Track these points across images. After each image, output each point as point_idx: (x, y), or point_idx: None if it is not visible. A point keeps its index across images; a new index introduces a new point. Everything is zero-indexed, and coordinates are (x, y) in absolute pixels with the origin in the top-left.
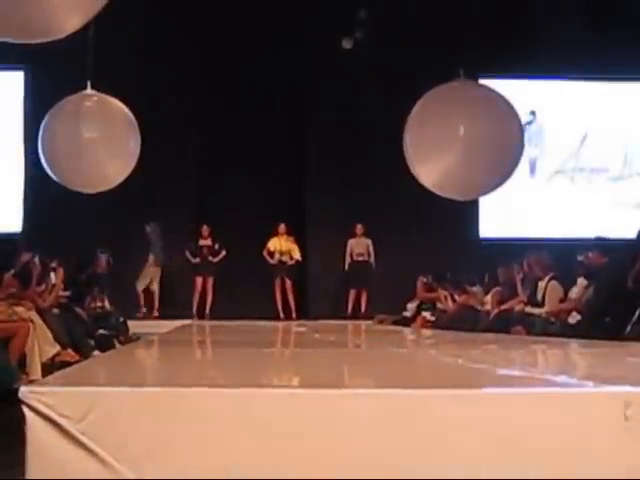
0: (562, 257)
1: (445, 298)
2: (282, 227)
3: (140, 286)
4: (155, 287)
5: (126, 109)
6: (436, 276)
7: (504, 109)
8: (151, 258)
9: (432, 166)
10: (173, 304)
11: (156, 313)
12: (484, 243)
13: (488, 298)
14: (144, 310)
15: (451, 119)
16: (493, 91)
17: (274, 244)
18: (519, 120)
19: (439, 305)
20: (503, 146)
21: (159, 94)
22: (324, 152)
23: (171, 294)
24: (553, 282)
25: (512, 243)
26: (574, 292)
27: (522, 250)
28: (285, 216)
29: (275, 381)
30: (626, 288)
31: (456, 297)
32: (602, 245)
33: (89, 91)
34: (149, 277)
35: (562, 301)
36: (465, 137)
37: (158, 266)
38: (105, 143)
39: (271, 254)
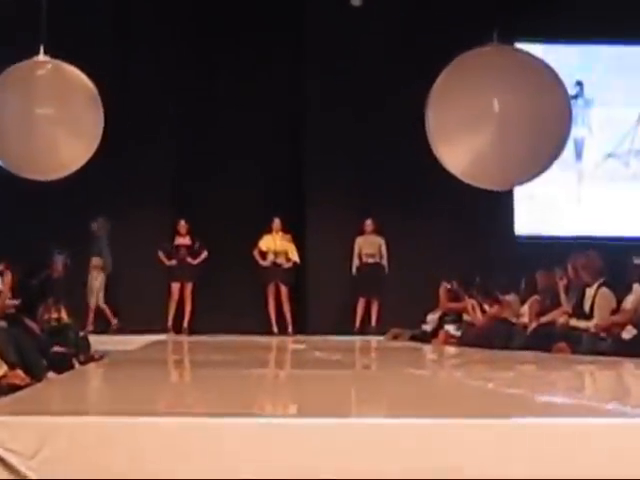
0: (614, 259)
1: (473, 308)
2: (277, 222)
3: (93, 300)
4: (101, 301)
5: (87, 80)
6: (462, 282)
7: (547, 79)
8: (96, 262)
9: (460, 149)
10: (144, 316)
11: (115, 327)
12: (520, 242)
13: (525, 309)
14: (89, 329)
15: (482, 92)
16: (533, 57)
17: (267, 243)
18: (565, 92)
19: (466, 317)
20: (545, 124)
21: (129, 62)
22: (327, 133)
23: (142, 304)
24: (603, 289)
25: (554, 242)
26: (629, 302)
27: (566, 250)
28: (280, 209)
29: (267, 409)
30: None
31: (486, 307)
32: None
33: (42, 57)
34: (95, 288)
35: (614, 312)
36: (500, 113)
37: (103, 272)
38: (61, 121)
39: (263, 255)
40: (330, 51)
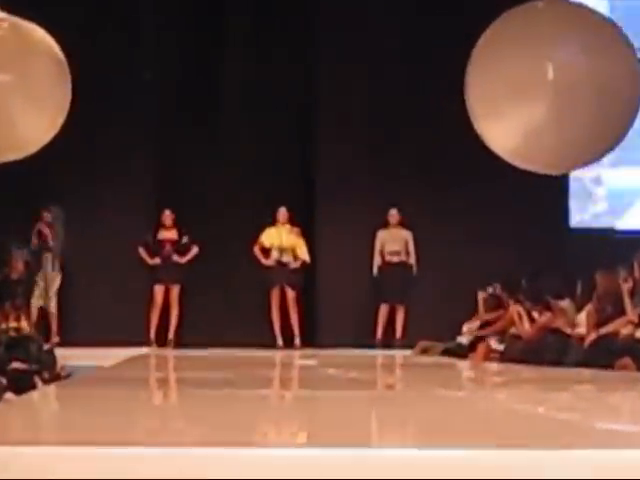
0: None
1: (519, 317)
2: (282, 213)
3: (37, 302)
4: (53, 305)
5: (52, 41)
6: (506, 285)
7: (613, 39)
8: (47, 259)
9: (506, 124)
10: (121, 326)
11: (56, 339)
12: (575, 236)
13: (582, 317)
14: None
15: (533, 55)
16: (595, 12)
17: (271, 237)
18: (635, 55)
19: (512, 329)
20: (611, 93)
21: (100, 22)
22: (342, 106)
23: (118, 311)
24: None
25: (617, 237)
26: None
27: (631, 246)
28: (287, 197)
29: (270, 438)
30: None
31: (535, 315)
32: None
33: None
34: (42, 288)
35: None
36: (554, 81)
37: (57, 271)
38: (19, 89)
39: (266, 252)
40: (344, 20)
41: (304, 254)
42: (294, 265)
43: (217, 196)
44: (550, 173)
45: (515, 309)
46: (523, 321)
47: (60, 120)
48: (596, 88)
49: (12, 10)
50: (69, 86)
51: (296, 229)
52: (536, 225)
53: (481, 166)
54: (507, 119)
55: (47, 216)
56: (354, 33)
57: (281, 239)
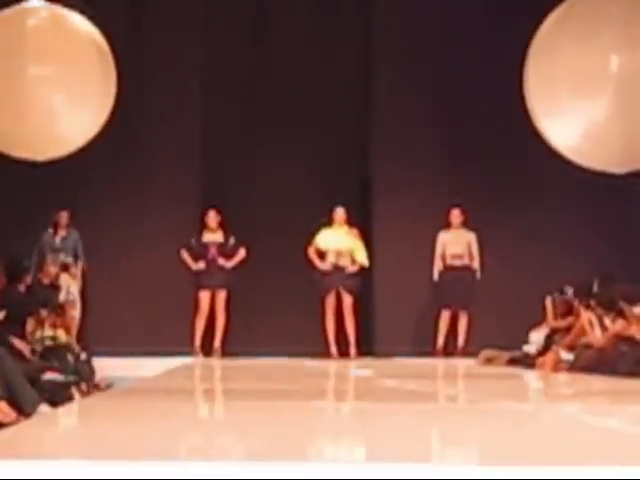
0: None
1: (591, 324)
2: (340, 213)
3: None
4: (76, 312)
5: (96, 32)
6: (577, 290)
7: None
8: (62, 261)
9: (568, 119)
10: (164, 334)
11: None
12: None
13: None
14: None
15: (599, 45)
16: None
17: (327, 240)
18: None
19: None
20: None
21: (149, 14)
22: (401, 99)
23: (161, 318)
24: None
25: None
26: None
27: None
28: (344, 197)
29: (326, 453)
30: None
31: (607, 323)
32: None
33: (36, 1)
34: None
35: None
36: (620, 73)
37: (74, 276)
38: (61, 84)
39: (322, 255)
40: (406, 17)
41: (362, 258)
42: (351, 269)
43: (266, 197)
44: (615, 172)
45: (586, 316)
46: (594, 328)
47: (104, 117)
48: None
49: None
50: (114, 80)
51: (354, 230)
52: (607, 225)
53: (549, 164)
54: (567, 115)
55: (63, 216)
56: (417, 31)
57: (338, 242)
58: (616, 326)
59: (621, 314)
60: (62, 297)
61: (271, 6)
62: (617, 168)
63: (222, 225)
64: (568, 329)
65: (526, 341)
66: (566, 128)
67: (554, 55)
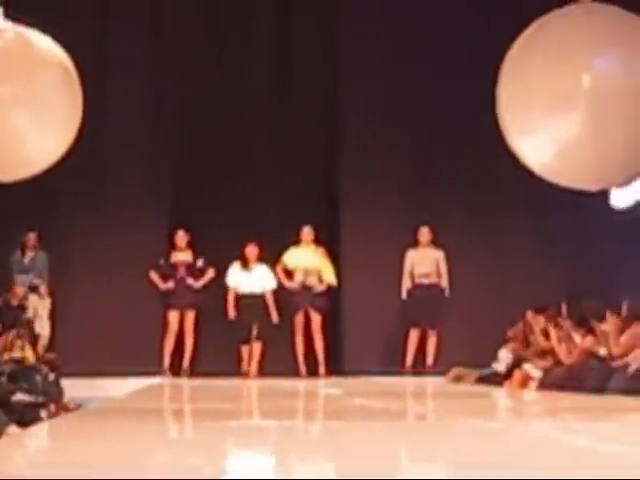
0: None
1: (559, 341)
2: (307, 232)
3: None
4: (46, 332)
5: (62, 53)
6: (544, 307)
7: None
8: (29, 282)
9: (541, 136)
10: (132, 355)
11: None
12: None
13: (624, 339)
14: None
15: (571, 63)
16: (634, 18)
17: (295, 259)
18: None
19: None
20: None
21: (114, 37)
22: (370, 123)
23: (129, 339)
24: None
25: None
26: None
27: None
28: (311, 216)
29: (295, 471)
30: None
31: (577, 339)
32: None
33: (2, 22)
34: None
35: None
36: (592, 90)
37: (43, 296)
38: (27, 105)
39: (289, 274)
40: (369, 34)
41: (330, 277)
42: (319, 288)
43: (234, 216)
44: (587, 189)
45: (555, 333)
46: (562, 345)
47: (71, 136)
48: (635, 99)
49: (17, 19)
50: (79, 98)
51: (321, 250)
52: (577, 242)
53: (518, 181)
54: (540, 132)
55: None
56: (384, 58)
57: (306, 260)
58: (585, 342)
59: (591, 331)
60: (30, 318)
61: (237, 38)
62: (590, 186)
63: (191, 245)
64: (536, 346)
65: (495, 359)
66: (539, 146)
67: (526, 74)
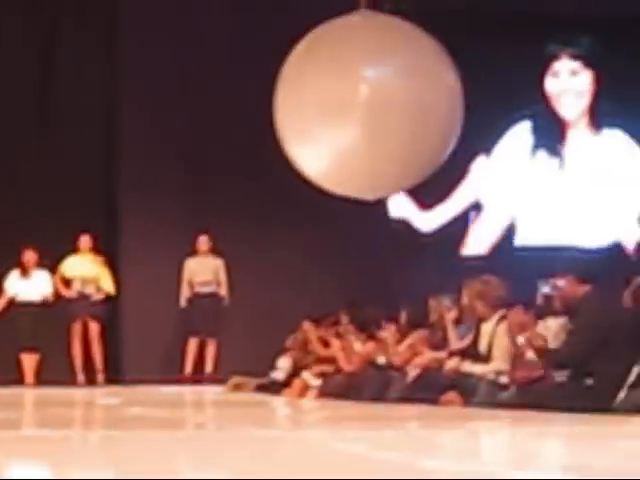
0: (523, 280)
1: (340, 349)
2: (84, 241)
3: None
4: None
5: None
6: (322, 315)
7: (434, 54)
8: None
9: (318, 146)
10: None
11: None
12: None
13: (403, 348)
14: None
15: (347, 73)
16: (415, 28)
17: (72, 268)
18: (452, 71)
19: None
20: (430, 114)
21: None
22: (148, 121)
23: None
24: (504, 325)
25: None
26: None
27: (462, 272)
28: (89, 224)
29: None
30: (617, 332)
31: (358, 347)
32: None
33: None
34: None
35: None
36: (368, 100)
37: None
38: None
39: (67, 283)
40: (152, 37)
41: (109, 285)
42: (97, 297)
43: (10, 223)
44: (365, 198)
45: (335, 342)
46: (341, 353)
47: None
48: (413, 111)
49: None
50: None
51: (100, 259)
52: (360, 250)
53: (298, 190)
54: (316, 142)
55: None
56: (164, 52)
57: (84, 269)
58: (367, 348)
59: (372, 337)
60: None
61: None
62: (367, 195)
63: None
64: (315, 354)
65: (274, 367)
66: (316, 155)
67: (302, 82)
